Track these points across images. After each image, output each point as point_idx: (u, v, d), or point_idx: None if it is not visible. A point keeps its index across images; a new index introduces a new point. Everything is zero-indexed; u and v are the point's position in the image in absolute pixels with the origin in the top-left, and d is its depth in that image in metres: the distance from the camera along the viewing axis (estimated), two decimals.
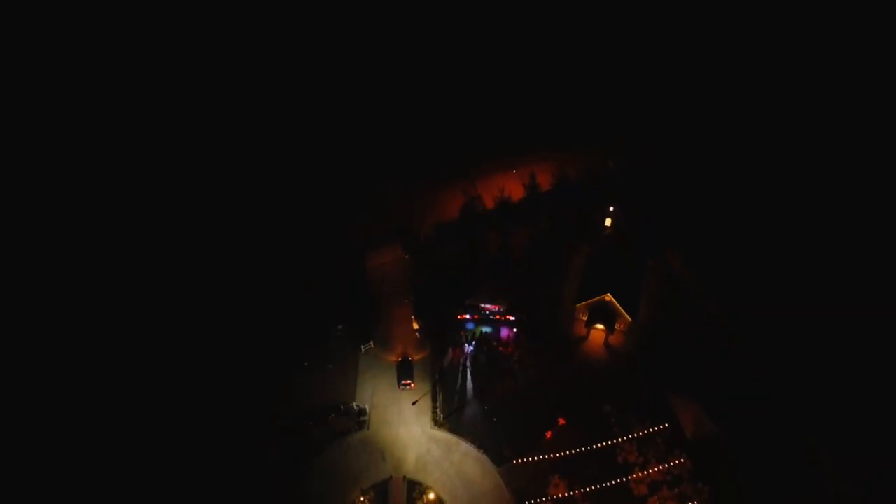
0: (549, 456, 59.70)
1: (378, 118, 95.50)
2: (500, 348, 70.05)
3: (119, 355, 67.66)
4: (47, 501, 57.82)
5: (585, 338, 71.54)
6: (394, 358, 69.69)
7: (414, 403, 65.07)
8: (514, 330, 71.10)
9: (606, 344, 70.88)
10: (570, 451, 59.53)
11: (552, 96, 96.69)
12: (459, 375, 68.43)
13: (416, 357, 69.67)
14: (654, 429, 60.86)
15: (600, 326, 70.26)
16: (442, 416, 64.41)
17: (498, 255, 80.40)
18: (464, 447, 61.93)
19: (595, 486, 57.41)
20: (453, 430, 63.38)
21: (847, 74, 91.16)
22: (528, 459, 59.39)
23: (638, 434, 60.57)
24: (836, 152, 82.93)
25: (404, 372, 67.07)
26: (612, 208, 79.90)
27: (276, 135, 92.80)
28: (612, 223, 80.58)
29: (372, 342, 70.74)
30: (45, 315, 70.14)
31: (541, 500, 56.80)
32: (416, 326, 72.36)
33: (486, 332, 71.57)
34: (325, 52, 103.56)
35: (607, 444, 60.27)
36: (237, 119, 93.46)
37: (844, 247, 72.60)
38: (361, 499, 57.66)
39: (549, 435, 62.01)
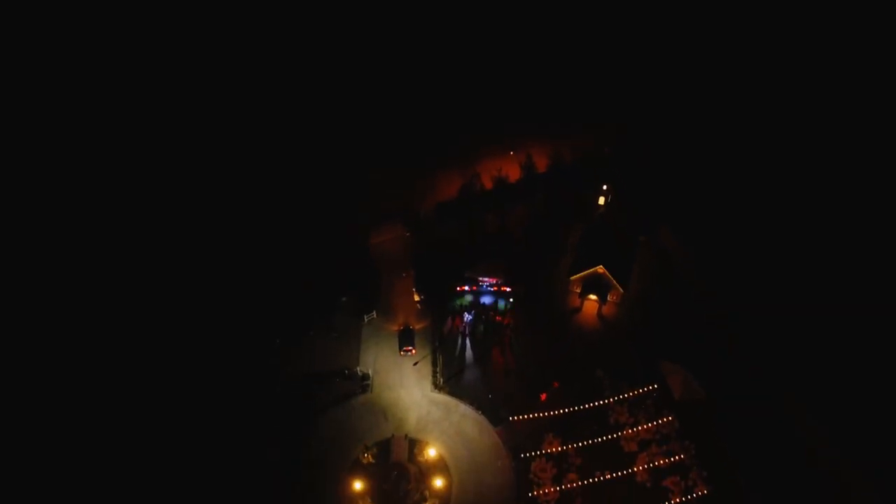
0: (544, 414, 62.86)
1: (380, 105, 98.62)
2: (497, 318, 73.11)
3: (125, 327, 70.42)
4: (48, 498, 58.72)
5: (579, 309, 74.65)
6: (395, 327, 72.69)
7: (415, 364, 68.34)
8: (511, 300, 74.09)
9: (599, 314, 73.97)
10: (564, 410, 62.70)
11: (549, 82, 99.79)
12: (458, 343, 71.54)
13: (417, 326, 72.66)
14: (643, 390, 64.05)
15: (593, 297, 73.38)
16: (441, 380, 67.42)
17: (495, 233, 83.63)
18: (462, 408, 64.96)
19: (587, 442, 60.55)
20: (452, 393, 66.37)
21: (843, 54, 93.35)
22: (524, 417, 62.46)
23: (628, 395, 63.70)
24: (823, 131, 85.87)
25: (405, 339, 70.09)
26: (605, 187, 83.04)
27: (284, 122, 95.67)
28: (605, 201, 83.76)
29: (374, 312, 73.78)
30: (44, 301, 71.98)
31: (536, 452, 59.88)
32: (416, 298, 75.39)
33: (483, 303, 74.65)
34: (328, 40, 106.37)
35: (599, 403, 63.36)
36: (242, 97, 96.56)
37: (827, 223, 75.97)
38: (366, 455, 60.62)
39: (543, 397, 64.96)
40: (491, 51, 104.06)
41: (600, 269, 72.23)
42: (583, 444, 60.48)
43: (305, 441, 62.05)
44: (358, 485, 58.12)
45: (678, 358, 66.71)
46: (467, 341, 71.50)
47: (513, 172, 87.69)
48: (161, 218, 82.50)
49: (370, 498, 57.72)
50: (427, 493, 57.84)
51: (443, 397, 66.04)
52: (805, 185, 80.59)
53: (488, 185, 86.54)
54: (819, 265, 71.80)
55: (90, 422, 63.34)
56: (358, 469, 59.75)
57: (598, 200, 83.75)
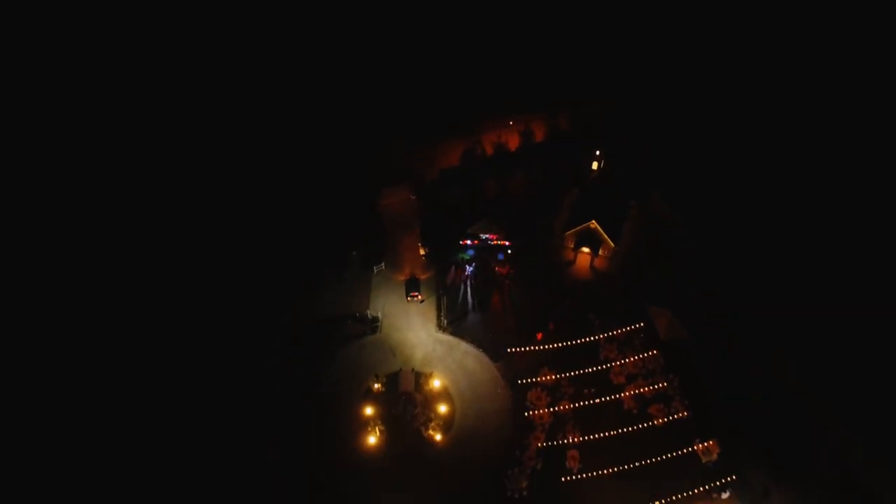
0: (540, 348, 68.61)
1: (387, 81, 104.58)
2: (497, 269, 78.74)
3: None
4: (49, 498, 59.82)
5: (573, 262, 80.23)
6: (402, 277, 78.36)
7: (421, 301, 74.37)
8: (510, 252, 79.71)
9: (591, 267, 79.52)
10: (559, 345, 68.40)
11: (547, 57, 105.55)
12: (461, 291, 77.14)
13: (423, 276, 78.29)
14: (631, 328, 69.70)
15: (586, 250, 78.92)
16: (445, 321, 73.08)
17: (495, 196, 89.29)
18: (464, 346, 70.58)
19: (579, 372, 66.21)
20: (455, 333, 72.04)
21: (835, 25, 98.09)
22: (520, 349, 68.18)
23: (617, 332, 69.36)
24: (808, 105, 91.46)
25: (412, 286, 75.83)
26: (597, 152, 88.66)
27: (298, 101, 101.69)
28: (598, 166, 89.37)
29: (383, 264, 79.47)
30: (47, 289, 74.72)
31: (532, 379, 65.57)
32: (422, 252, 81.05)
33: (484, 256, 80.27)
34: (334, 23, 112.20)
35: (591, 339, 69.06)
36: (253, 76, 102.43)
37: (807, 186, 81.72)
38: (376, 385, 66.25)
39: (539, 336, 70.55)
40: (491, 32, 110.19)
41: (593, 224, 77.80)
42: (575, 373, 66.23)
43: (322, 374, 67.92)
44: (369, 410, 63.86)
45: (664, 303, 72.42)
46: (469, 290, 77.19)
47: (512, 141, 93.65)
48: (175, 176, 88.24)
49: (381, 421, 63.38)
50: (432, 415, 63.53)
51: (446, 337, 71.73)
52: (787, 153, 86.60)
53: (489, 152, 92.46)
54: (800, 227, 77.86)
55: (102, 402, 65.98)
56: (369, 397, 65.45)
57: (591, 165, 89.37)
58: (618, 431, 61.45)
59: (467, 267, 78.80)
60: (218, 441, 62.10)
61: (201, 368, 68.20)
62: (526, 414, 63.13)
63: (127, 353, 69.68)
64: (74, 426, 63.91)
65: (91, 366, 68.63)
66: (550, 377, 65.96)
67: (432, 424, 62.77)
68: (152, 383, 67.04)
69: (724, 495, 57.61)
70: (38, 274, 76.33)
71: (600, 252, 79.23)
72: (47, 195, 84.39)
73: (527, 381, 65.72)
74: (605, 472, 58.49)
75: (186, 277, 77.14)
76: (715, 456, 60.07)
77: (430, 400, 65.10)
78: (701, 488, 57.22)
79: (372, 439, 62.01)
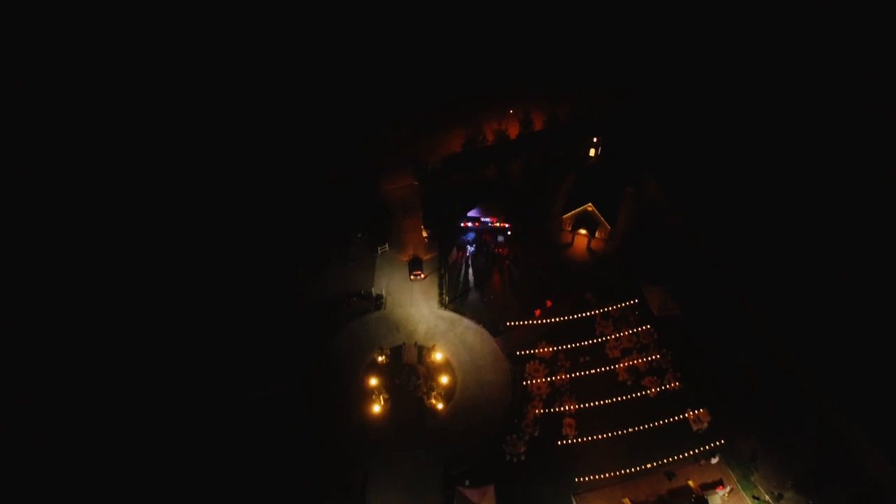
0: (538, 322, 71.32)
1: (393, 71, 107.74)
2: (497, 250, 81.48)
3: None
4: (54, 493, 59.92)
5: (570, 243, 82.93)
6: (405, 258, 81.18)
7: (424, 278, 77.25)
8: (509, 233, 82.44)
9: (588, 248, 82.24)
10: (556, 319, 71.11)
11: (547, 48, 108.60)
12: (462, 270, 79.91)
13: (425, 257, 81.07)
14: (625, 304, 72.35)
15: (583, 232, 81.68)
16: (447, 299, 75.83)
17: (496, 182, 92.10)
18: (465, 322, 73.32)
19: (575, 345, 68.89)
20: (456, 310, 74.82)
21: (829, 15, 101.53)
22: (519, 323, 70.91)
23: (612, 308, 72.02)
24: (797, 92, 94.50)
25: (415, 266, 78.59)
26: (595, 139, 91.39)
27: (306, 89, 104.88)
28: (595, 153, 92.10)
29: (387, 245, 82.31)
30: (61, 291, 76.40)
31: (529, 351, 68.29)
32: (424, 234, 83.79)
33: (484, 238, 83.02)
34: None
35: (587, 314, 71.76)
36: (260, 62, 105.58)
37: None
38: (381, 358, 68.97)
39: (538, 313, 73.23)
40: (495, 24, 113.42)
41: (589, 206, 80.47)
42: (572, 345, 68.94)
43: (329, 347, 70.73)
44: (374, 380, 66.54)
45: (657, 281, 75.08)
46: (470, 269, 79.94)
47: (512, 129, 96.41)
48: (188, 159, 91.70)
49: (385, 390, 66.09)
50: (434, 385, 66.21)
51: (448, 313, 74.47)
52: (774, 137, 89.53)
53: (490, 139, 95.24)
54: (787, 205, 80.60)
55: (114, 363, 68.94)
56: (374, 368, 68.19)
57: (589, 152, 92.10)
58: (612, 400, 64.10)
59: (468, 248, 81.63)
60: (231, 407, 64.84)
61: (213, 339, 71.18)
62: (524, 383, 65.84)
63: (137, 326, 72.75)
64: (80, 411, 65.49)
65: (97, 334, 71.72)
66: (548, 350, 68.66)
67: (434, 394, 65.45)
68: (161, 359, 69.88)
69: (714, 460, 60.08)
70: (47, 263, 78.97)
71: (597, 234, 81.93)
72: (52, 189, 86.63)
73: (525, 352, 68.44)
74: (600, 436, 61.11)
75: (200, 252, 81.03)
76: (705, 424, 62.64)
77: (432, 371, 67.79)
78: (691, 452, 59.79)
79: (376, 407, 64.75)
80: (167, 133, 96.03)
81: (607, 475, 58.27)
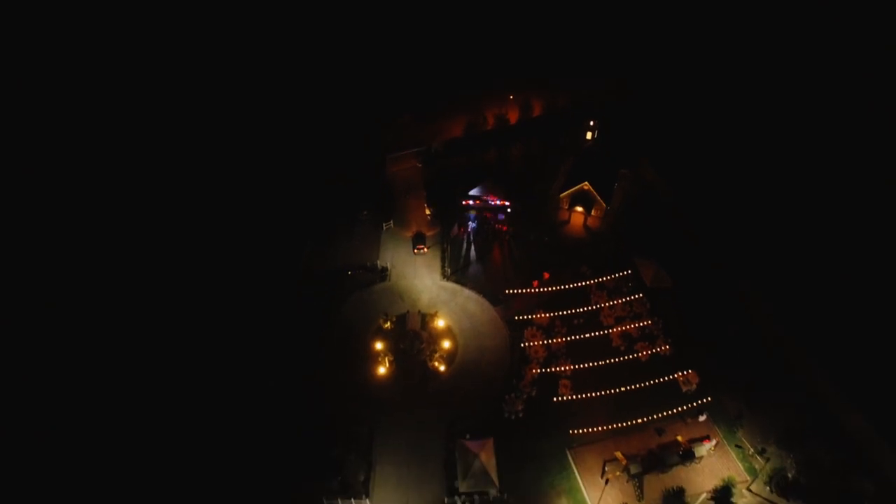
0: (537, 290, 74.88)
1: (398, 60, 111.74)
2: (497, 226, 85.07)
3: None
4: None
5: (567, 221, 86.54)
6: (409, 234, 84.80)
7: (427, 251, 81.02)
8: (509, 211, 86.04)
9: (585, 225, 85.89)
10: (553, 288, 74.62)
11: (546, 38, 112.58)
12: (463, 245, 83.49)
13: (428, 233, 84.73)
14: (619, 274, 75.91)
15: (579, 209, 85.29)
16: (449, 271, 79.40)
17: (496, 164, 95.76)
18: (466, 292, 76.88)
19: (571, 311, 72.40)
20: (458, 282, 78.42)
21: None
22: (517, 291, 74.44)
23: (607, 279, 75.56)
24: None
25: (418, 240, 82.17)
26: (592, 123, 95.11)
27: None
28: (592, 136, 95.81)
29: (392, 222, 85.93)
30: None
31: (527, 317, 71.83)
32: (427, 212, 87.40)
33: (484, 215, 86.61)
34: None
35: (583, 284, 75.33)
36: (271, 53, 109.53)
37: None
38: (386, 325, 72.42)
39: (535, 284, 76.74)
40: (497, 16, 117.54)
41: (586, 185, 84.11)
42: (568, 311, 72.47)
43: (336, 315, 74.26)
44: (379, 345, 69.99)
45: (650, 254, 78.65)
46: (471, 244, 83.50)
47: (512, 114, 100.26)
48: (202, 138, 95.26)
49: (390, 354, 69.55)
50: (436, 348, 69.68)
51: (450, 284, 78.05)
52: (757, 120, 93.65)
53: (491, 124, 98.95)
54: (771, 181, 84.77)
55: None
56: (379, 334, 71.66)
57: (586, 135, 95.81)
58: (606, 362, 67.55)
59: (469, 224, 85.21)
60: (245, 372, 68.19)
61: (225, 309, 74.64)
62: (522, 345, 69.34)
63: (152, 298, 76.26)
64: (89, 395, 66.73)
65: (107, 320, 73.78)
66: (545, 317, 72.16)
67: (437, 356, 68.93)
68: (176, 331, 72.94)
69: (701, 418, 63.51)
70: (58, 254, 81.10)
71: (593, 212, 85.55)
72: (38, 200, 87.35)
73: (524, 318, 71.97)
74: (594, 394, 64.53)
75: (215, 223, 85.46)
76: (694, 385, 66.01)
77: (434, 337, 71.24)
78: (680, 408, 63.20)
79: (382, 369, 68.21)
80: (181, 113, 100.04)
81: (600, 429, 61.75)
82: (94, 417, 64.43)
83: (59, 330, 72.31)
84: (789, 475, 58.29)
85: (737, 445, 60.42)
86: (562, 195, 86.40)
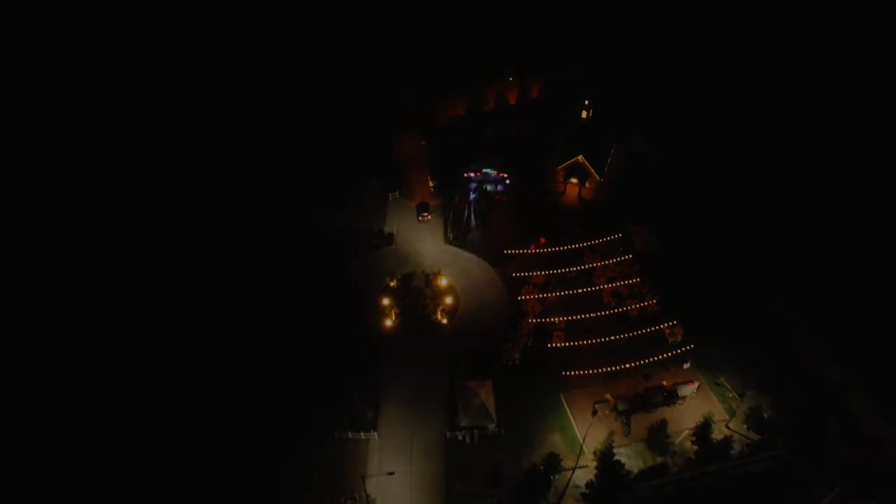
0: (532, 251, 79.99)
1: (405, 45, 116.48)
2: (497, 197, 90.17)
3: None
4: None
5: (563, 192, 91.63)
6: (413, 204, 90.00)
7: (430, 219, 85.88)
8: (507, 182, 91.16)
9: (579, 196, 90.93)
10: (548, 250, 79.69)
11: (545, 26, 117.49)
12: (465, 214, 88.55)
13: (431, 203, 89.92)
14: (611, 237, 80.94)
15: (574, 181, 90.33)
16: (451, 236, 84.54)
17: (496, 140, 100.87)
18: (467, 255, 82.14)
19: (565, 270, 77.40)
20: (459, 246, 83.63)
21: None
22: (516, 251, 79.56)
23: (599, 241, 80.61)
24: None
25: (422, 209, 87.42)
26: (587, 102, 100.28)
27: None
28: (587, 115, 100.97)
29: (398, 192, 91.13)
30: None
31: (525, 274, 76.90)
32: (430, 183, 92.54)
33: (485, 186, 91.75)
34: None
35: (577, 246, 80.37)
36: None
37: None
38: (392, 283, 77.46)
39: (532, 248, 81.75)
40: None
41: (580, 158, 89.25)
42: (562, 270, 77.46)
43: (346, 274, 79.55)
44: (386, 300, 75.03)
45: (640, 221, 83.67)
46: (471, 212, 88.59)
47: (512, 95, 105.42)
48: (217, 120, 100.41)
49: (396, 308, 74.57)
50: (439, 302, 74.70)
51: (452, 248, 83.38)
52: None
53: (491, 105, 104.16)
54: (752, 155, 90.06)
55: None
56: (387, 291, 76.70)
57: (580, 113, 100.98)
58: (597, 314, 72.48)
59: (471, 194, 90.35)
60: (264, 318, 73.65)
61: (250, 265, 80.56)
62: (519, 298, 74.33)
63: (172, 273, 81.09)
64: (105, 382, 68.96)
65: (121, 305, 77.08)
66: (540, 274, 77.15)
67: (440, 310, 73.97)
68: (203, 285, 78.56)
69: (686, 365, 68.34)
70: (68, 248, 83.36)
71: (587, 184, 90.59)
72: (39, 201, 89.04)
73: (521, 274, 77.05)
74: (585, 342, 69.45)
75: (237, 186, 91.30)
76: (679, 337, 70.78)
77: (437, 293, 76.27)
78: (666, 355, 68.10)
79: (388, 322, 73.27)
80: (204, 92, 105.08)
81: (591, 372, 66.65)
82: (118, 366, 69.79)
83: (74, 307, 76.51)
84: (765, 414, 63.11)
85: (716, 383, 65.26)
86: (558, 168, 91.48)
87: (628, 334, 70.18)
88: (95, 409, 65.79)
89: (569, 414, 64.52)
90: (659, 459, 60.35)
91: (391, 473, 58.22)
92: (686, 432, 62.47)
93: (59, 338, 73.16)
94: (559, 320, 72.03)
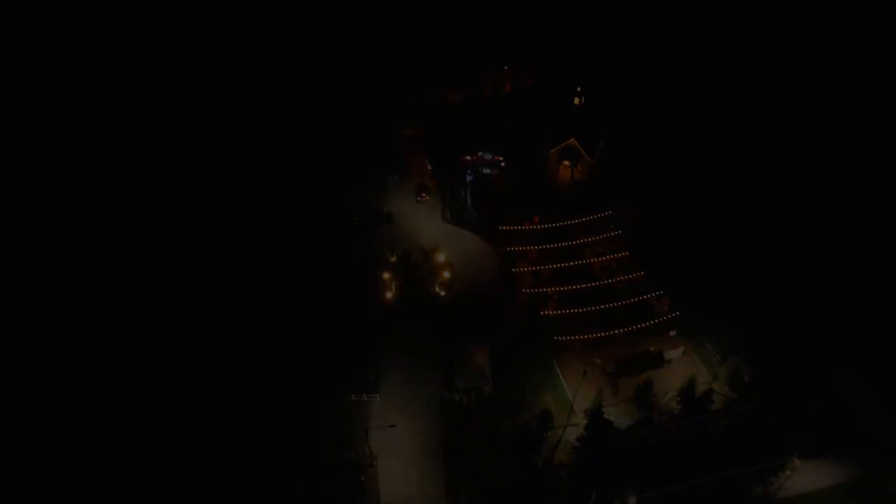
0: (527, 227, 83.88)
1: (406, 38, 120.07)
2: (492, 179, 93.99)
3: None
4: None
5: (556, 174, 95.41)
6: (412, 186, 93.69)
7: (428, 200, 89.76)
8: (502, 165, 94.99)
9: (572, 177, 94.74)
10: (542, 226, 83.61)
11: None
12: (462, 194, 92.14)
13: (430, 185, 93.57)
14: (600, 214, 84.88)
15: (566, 163, 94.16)
16: (448, 215, 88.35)
17: (492, 126, 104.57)
18: (464, 233, 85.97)
19: (557, 245, 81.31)
20: (456, 224, 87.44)
21: None
22: (511, 227, 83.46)
23: (590, 218, 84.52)
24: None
25: (421, 189, 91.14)
26: (579, 88, 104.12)
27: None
28: (579, 101, 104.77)
29: (397, 175, 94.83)
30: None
31: (519, 249, 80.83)
32: (429, 166, 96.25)
33: (482, 170, 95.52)
34: None
35: (568, 222, 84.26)
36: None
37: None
38: (392, 259, 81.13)
39: (526, 225, 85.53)
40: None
41: (573, 141, 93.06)
42: (554, 245, 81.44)
43: (348, 250, 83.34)
44: (386, 274, 78.70)
45: (629, 200, 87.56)
46: (468, 193, 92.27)
47: (507, 84, 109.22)
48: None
49: (396, 281, 78.26)
50: (437, 274, 78.55)
51: (449, 227, 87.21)
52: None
53: (487, 93, 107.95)
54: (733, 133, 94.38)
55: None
56: (387, 265, 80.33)
57: (573, 100, 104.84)
58: (587, 285, 76.35)
59: (467, 175, 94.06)
60: (269, 293, 77.10)
61: (256, 242, 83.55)
62: (512, 270, 78.14)
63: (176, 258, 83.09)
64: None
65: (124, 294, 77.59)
66: (534, 249, 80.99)
67: (437, 282, 77.72)
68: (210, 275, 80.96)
69: (672, 333, 72.20)
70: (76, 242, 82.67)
71: (578, 166, 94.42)
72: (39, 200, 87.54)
73: (515, 249, 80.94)
74: (576, 310, 73.26)
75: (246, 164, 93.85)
76: (665, 308, 74.74)
77: (436, 267, 80.00)
78: (652, 321, 71.98)
79: (389, 294, 76.97)
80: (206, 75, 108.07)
81: (581, 338, 70.47)
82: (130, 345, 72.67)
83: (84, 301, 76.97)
84: (745, 377, 66.95)
85: (698, 345, 69.19)
86: (551, 150, 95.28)
87: (617, 303, 74.02)
88: (98, 369, 68.77)
89: (560, 376, 68.38)
90: (645, 416, 64.28)
91: (392, 426, 61.91)
92: (671, 393, 66.34)
93: (55, 308, 74.54)
94: (551, 290, 75.83)
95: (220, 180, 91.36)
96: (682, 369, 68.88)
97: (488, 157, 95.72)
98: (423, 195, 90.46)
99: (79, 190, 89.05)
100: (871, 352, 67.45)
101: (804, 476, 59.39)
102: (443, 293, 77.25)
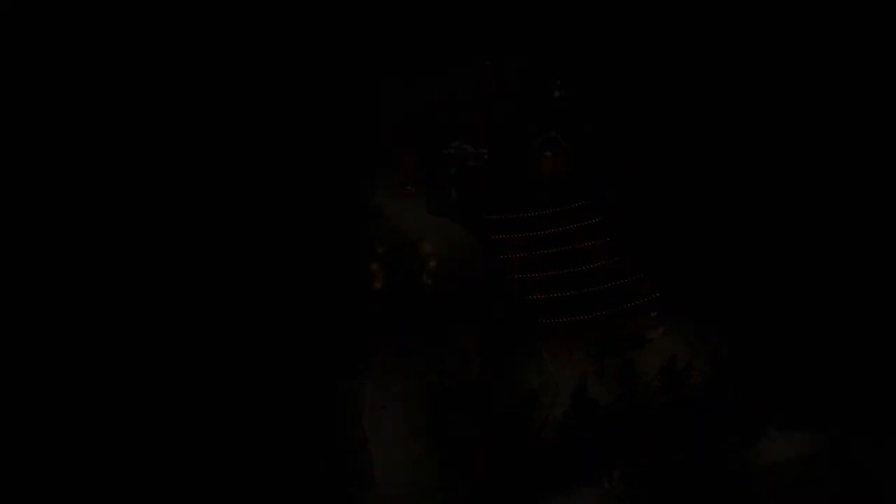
0: (511, 215, 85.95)
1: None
2: (476, 170, 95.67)
3: None
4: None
5: (537, 165, 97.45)
6: (398, 179, 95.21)
7: (413, 192, 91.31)
8: (486, 157, 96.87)
9: (553, 167, 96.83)
10: (528, 214, 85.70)
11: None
12: (446, 186, 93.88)
13: (415, 178, 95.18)
14: (584, 202, 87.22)
15: (548, 154, 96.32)
16: (434, 206, 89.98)
17: (474, 120, 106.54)
18: (449, 223, 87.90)
19: (542, 233, 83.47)
20: (441, 214, 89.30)
21: None
22: (496, 216, 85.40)
23: (575, 205, 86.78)
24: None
25: (406, 183, 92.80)
26: (558, 82, 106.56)
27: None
28: (559, 94, 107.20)
29: (383, 168, 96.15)
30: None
31: (506, 237, 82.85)
32: (414, 160, 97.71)
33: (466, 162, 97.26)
34: None
35: (553, 210, 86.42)
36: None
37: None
38: (380, 250, 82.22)
39: (511, 214, 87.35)
40: None
41: (553, 133, 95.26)
42: (539, 233, 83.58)
43: (335, 241, 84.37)
44: (374, 265, 79.71)
45: (612, 187, 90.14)
46: (453, 185, 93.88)
47: (491, 79, 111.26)
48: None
49: (383, 272, 79.52)
50: (424, 259, 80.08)
51: (434, 217, 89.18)
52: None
53: (471, 89, 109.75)
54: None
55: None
56: (373, 257, 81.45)
57: (553, 93, 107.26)
58: (571, 270, 78.45)
59: (451, 169, 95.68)
60: (256, 284, 77.75)
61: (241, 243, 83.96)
62: (500, 256, 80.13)
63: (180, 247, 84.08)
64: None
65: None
66: (519, 237, 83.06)
67: (425, 271, 79.20)
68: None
69: (653, 314, 74.57)
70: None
71: (560, 156, 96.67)
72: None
73: (501, 237, 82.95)
74: (560, 294, 75.38)
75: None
76: (646, 290, 77.04)
77: (422, 257, 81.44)
78: (634, 303, 74.28)
79: (377, 284, 78.25)
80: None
81: (566, 320, 72.55)
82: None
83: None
84: (725, 353, 69.40)
85: (678, 324, 71.68)
86: (533, 143, 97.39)
87: (600, 287, 76.23)
88: (101, 356, 68.92)
89: (546, 358, 70.27)
90: (628, 393, 66.38)
91: (384, 407, 63.25)
92: (653, 371, 68.51)
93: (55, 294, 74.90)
94: (537, 276, 77.79)
95: (206, 174, 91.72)
96: (663, 348, 71.35)
97: (472, 150, 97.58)
98: (409, 188, 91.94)
99: (79, 187, 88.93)
100: (848, 326, 70.50)
101: (780, 446, 62.12)
102: (430, 282, 78.74)
